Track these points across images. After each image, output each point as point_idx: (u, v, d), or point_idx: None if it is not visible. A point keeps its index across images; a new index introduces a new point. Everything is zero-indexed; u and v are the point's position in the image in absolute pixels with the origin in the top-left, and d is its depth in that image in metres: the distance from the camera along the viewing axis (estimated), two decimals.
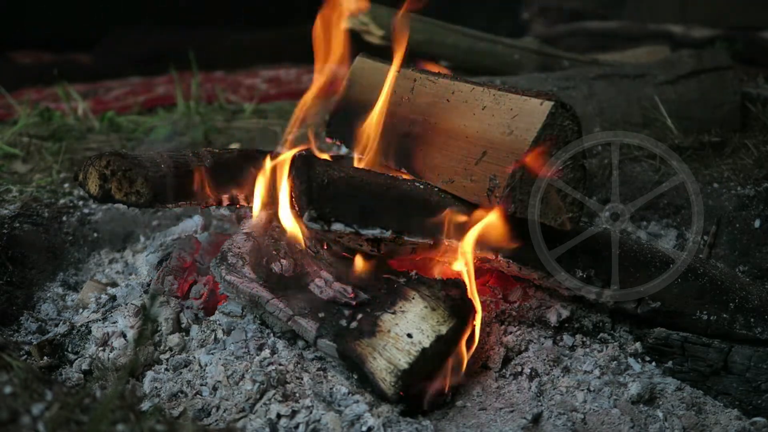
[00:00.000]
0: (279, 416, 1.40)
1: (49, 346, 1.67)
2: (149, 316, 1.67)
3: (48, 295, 1.98)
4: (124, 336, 1.68)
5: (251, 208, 1.79)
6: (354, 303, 1.53)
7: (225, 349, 1.59)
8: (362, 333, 1.46)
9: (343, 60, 1.83)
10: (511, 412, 1.49)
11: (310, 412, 1.40)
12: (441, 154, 1.61)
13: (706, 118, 2.53)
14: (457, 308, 1.49)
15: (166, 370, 1.58)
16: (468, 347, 1.51)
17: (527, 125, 1.42)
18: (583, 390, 1.55)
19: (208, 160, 1.75)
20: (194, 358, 1.60)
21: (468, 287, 1.54)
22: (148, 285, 1.84)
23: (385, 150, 1.79)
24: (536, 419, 1.46)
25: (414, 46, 3.44)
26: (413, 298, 1.49)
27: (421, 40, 3.43)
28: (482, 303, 1.60)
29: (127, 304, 1.75)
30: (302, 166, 1.56)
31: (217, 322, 1.67)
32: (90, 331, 1.71)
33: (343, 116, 1.97)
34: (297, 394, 1.45)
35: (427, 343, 1.43)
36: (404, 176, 1.71)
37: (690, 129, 2.49)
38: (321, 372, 1.52)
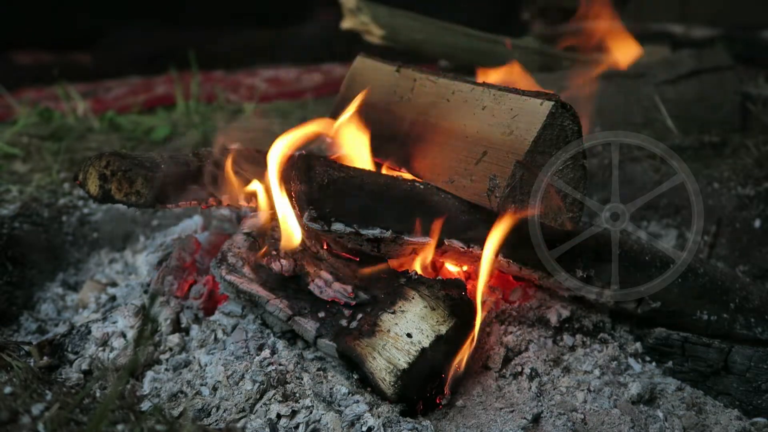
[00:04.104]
0: (279, 416, 1.40)
1: (49, 346, 1.67)
2: (149, 316, 1.67)
3: (48, 295, 1.98)
4: (124, 336, 1.68)
5: (251, 208, 1.79)
6: (354, 303, 1.53)
7: (225, 349, 1.59)
8: (362, 333, 1.46)
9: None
10: (511, 412, 1.49)
11: (310, 412, 1.40)
12: (441, 154, 1.61)
13: (706, 118, 2.53)
14: (457, 308, 1.49)
15: (166, 370, 1.58)
16: (468, 347, 1.51)
17: (527, 125, 1.42)
18: (583, 390, 1.55)
19: (208, 160, 1.75)
20: (194, 358, 1.60)
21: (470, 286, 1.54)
22: (148, 285, 1.84)
23: (385, 150, 1.79)
24: (536, 419, 1.46)
25: (413, 46, 3.46)
26: (413, 298, 1.49)
27: (421, 39, 3.43)
28: (482, 303, 1.59)
29: (127, 304, 1.75)
30: (302, 166, 1.56)
31: (217, 322, 1.67)
32: (90, 331, 1.71)
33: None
34: (297, 394, 1.45)
35: (426, 343, 1.43)
36: (404, 176, 1.71)
37: (690, 129, 2.49)
38: (321, 372, 1.52)
